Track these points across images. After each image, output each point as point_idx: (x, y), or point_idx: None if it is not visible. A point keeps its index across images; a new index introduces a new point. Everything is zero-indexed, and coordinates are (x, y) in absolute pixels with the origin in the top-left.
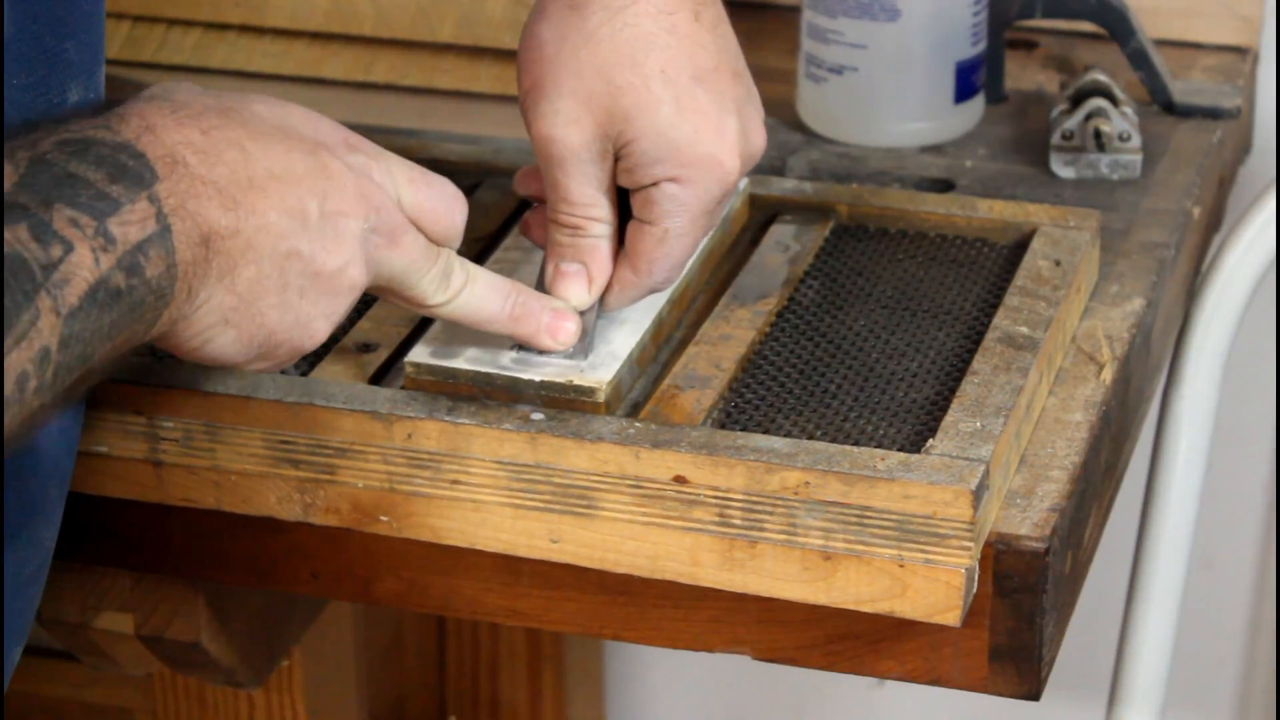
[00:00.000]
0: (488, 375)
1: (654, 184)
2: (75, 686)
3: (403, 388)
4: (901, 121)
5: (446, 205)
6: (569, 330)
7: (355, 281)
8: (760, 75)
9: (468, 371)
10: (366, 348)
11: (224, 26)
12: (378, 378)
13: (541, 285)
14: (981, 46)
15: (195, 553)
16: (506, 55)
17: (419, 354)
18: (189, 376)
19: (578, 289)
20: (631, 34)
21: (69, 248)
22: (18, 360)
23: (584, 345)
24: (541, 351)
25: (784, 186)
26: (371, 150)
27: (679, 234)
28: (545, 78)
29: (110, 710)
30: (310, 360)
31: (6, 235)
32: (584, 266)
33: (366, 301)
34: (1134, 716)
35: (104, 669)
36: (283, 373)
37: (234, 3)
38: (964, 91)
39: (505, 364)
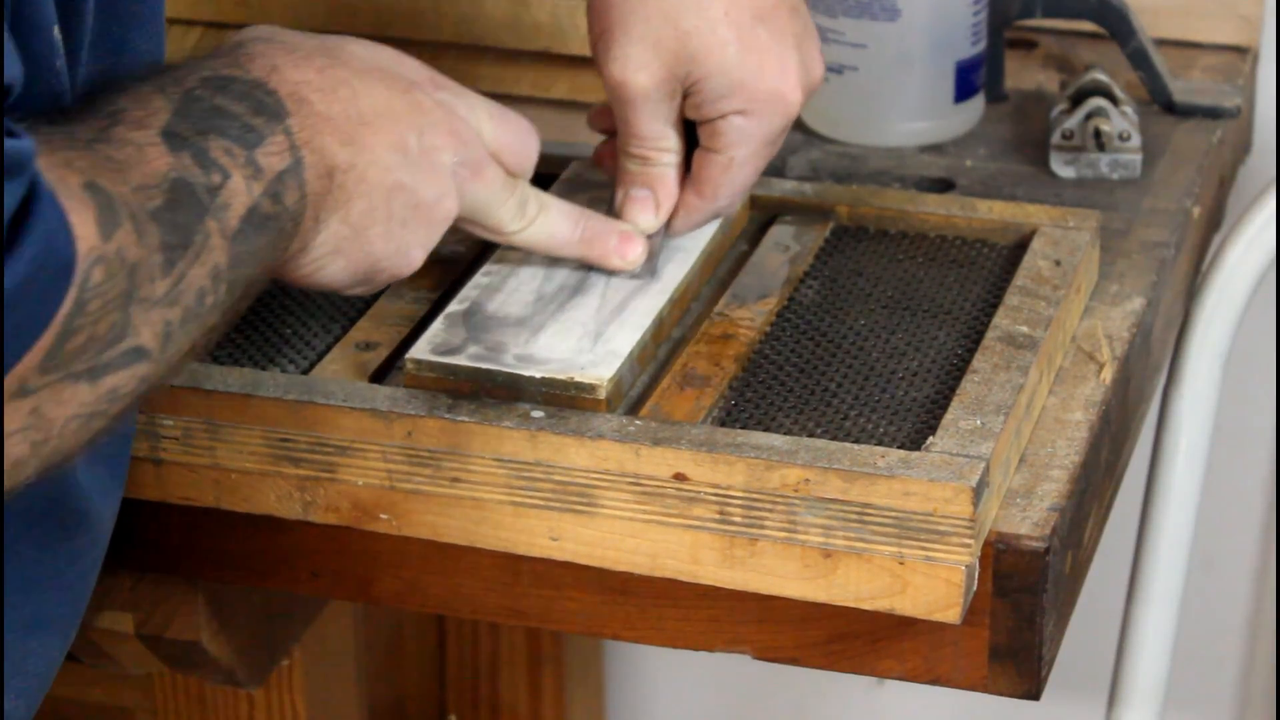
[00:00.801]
0: (489, 372)
1: (721, 117)
2: (75, 686)
3: (403, 385)
4: (902, 121)
5: (523, 140)
6: (636, 251)
7: (449, 211)
8: None
9: (468, 368)
10: (367, 346)
11: (225, 26)
12: (378, 376)
13: (611, 212)
14: (982, 46)
15: (195, 552)
16: (506, 55)
17: (420, 350)
18: (189, 375)
19: (646, 213)
20: None
21: (226, 175)
22: (196, 278)
23: (650, 267)
24: (611, 272)
25: (784, 187)
26: (455, 88)
27: (744, 161)
28: (614, 25)
29: (110, 710)
30: (310, 359)
31: (173, 162)
32: (652, 193)
33: (367, 301)
34: (1134, 716)
35: (104, 669)
36: (283, 371)
37: (234, 2)
38: (964, 91)
39: (506, 361)
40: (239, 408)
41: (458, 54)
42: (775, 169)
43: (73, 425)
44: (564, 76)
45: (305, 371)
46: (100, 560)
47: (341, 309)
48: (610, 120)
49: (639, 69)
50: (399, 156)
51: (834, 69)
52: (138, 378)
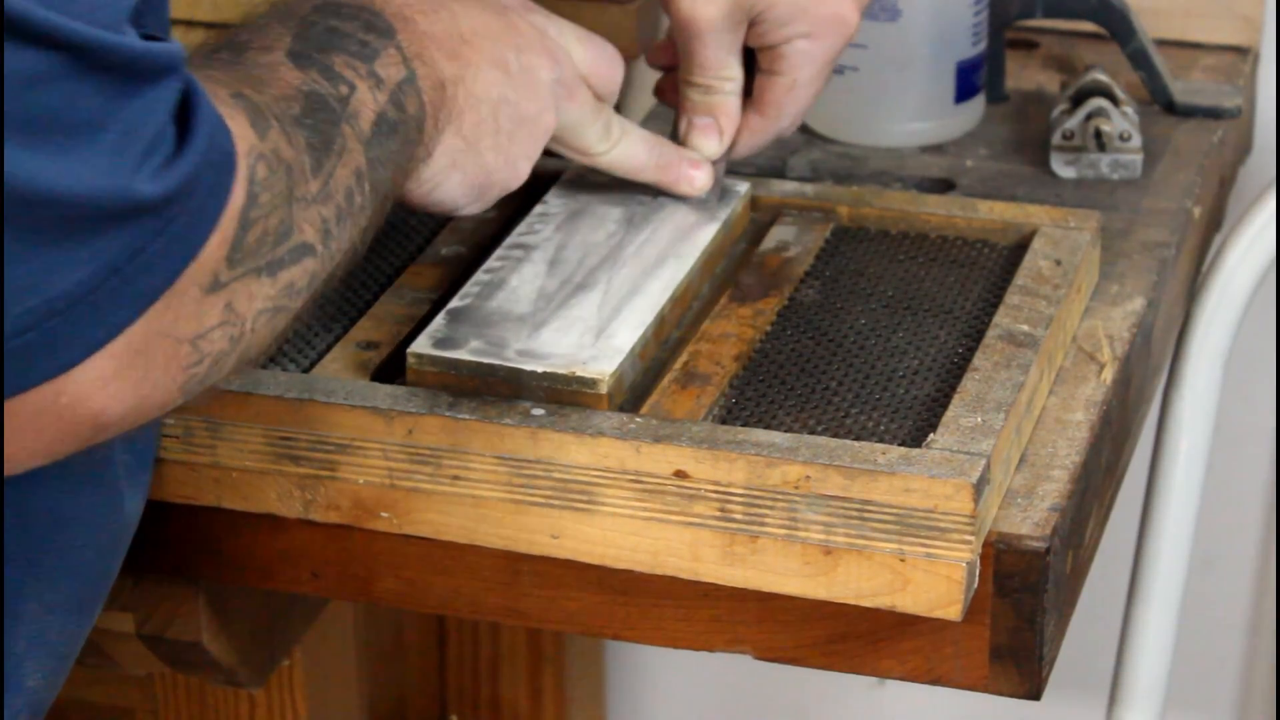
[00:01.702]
0: (490, 366)
1: (786, 41)
2: (75, 686)
3: (404, 381)
4: (902, 121)
5: (610, 63)
6: (705, 178)
7: (549, 125)
8: None
9: (470, 363)
10: (368, 345)
11: (225, 26)
12: (379, 375)
13: (675, 139)
14: (982, 46)
15: (195, 552)
16: None
17: (422, 345)
18: None
19: (710, 140)
20: None
21: (352, 86)
22: (343, 178)
23: (716, 190)
24: (681, 197)
25: (785, 188)
26: (545, 13)
27: (806, 82)
28: None
29: (110, 710)
30: (311, 357)
31: (304, 77)
32: (714, 120)
33: (367, 300)
34: (1134, 716)
35: (104, 669)
36: (283, 370)
37: (234, 2)
38: (965, 91)
39: (508, 356)
40: (239, 406)
41: None
42: (776, 169)
43: (261, 320)
44: None
45: (306, 370)
46: (123, 552)
47: (342, 308)
48: (669, 56)
49: (708, 2)
50: (500, 73)
51: (834, 70)
52: (309, 273)
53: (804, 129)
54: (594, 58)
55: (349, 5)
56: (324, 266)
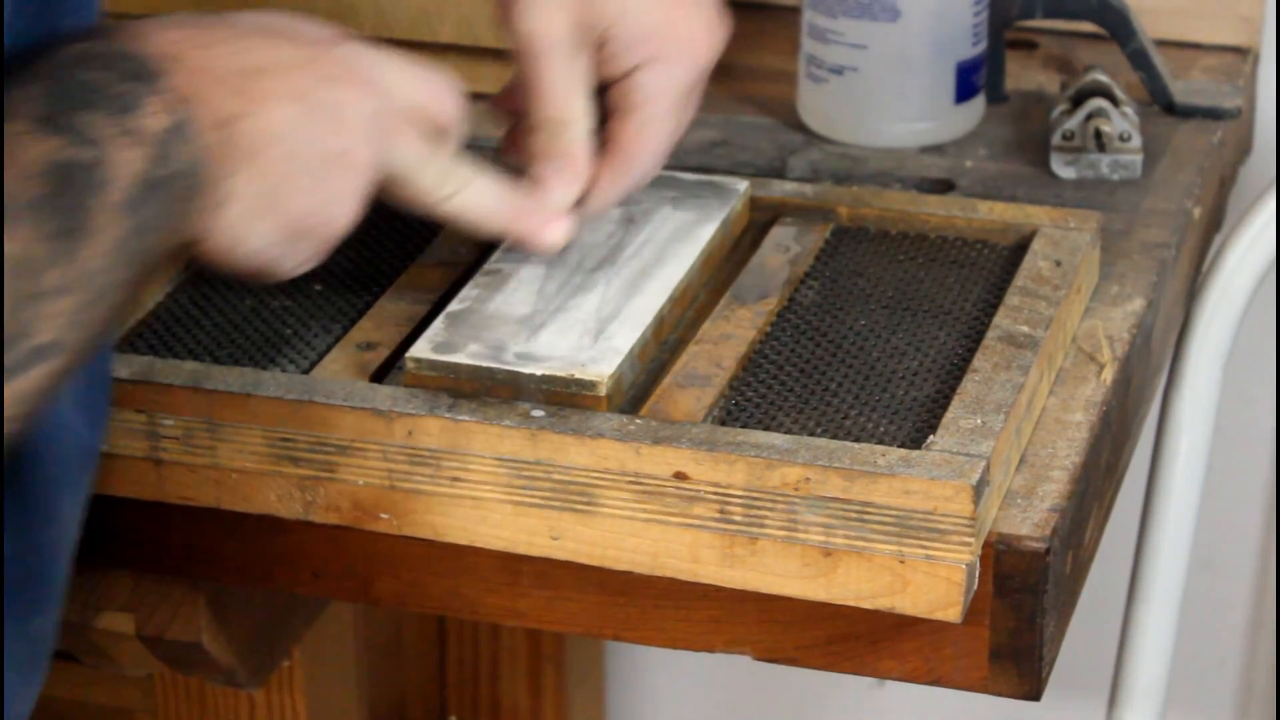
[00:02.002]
0: (489, 370)
1: (635, 68)
2: (75, 686)
3: (404, 384)
4: (902, 122)
5: (442, 98)
6: (562, 230)
7: (367, 161)
8: (760, 75)
9: (469, 366)
10: (367, 346)
11: None
12: (379, 376)
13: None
14: (982, 46)
15: (195, 553)
16: (506, 56)
17: (420, 349)
18: (190, 375)
19: (564, 187)
20: None
21: (106, 150)
22: (93, 258)
23: (565, 250)
24: (534, 253)
25: (784, 189)
26: (364, 44)
27: (660, 119)
28: None
29: (110, 710)
30: (311, 358)
31: (47, 148)
32: (566, 166)
33: (367, 301)
34: (1134, 716)
35: (104, 669)
36: (283, 371)
37: (234, 2)
38: (964, 91)
39: (507, 359)
40: (239, 407)
41: (458, 54)
42: (775, 170)
43: None
44: None
45: (306, 371)
46: (75, 531)
47: (343, 309)
48: (515, 100)
49: (549, 16)
50: (299, 106)
51: (834, 70)
52: (51, 374)
53: (804, 129)
54: (423, 92)
55: (106, 53)
56: (72, 359)
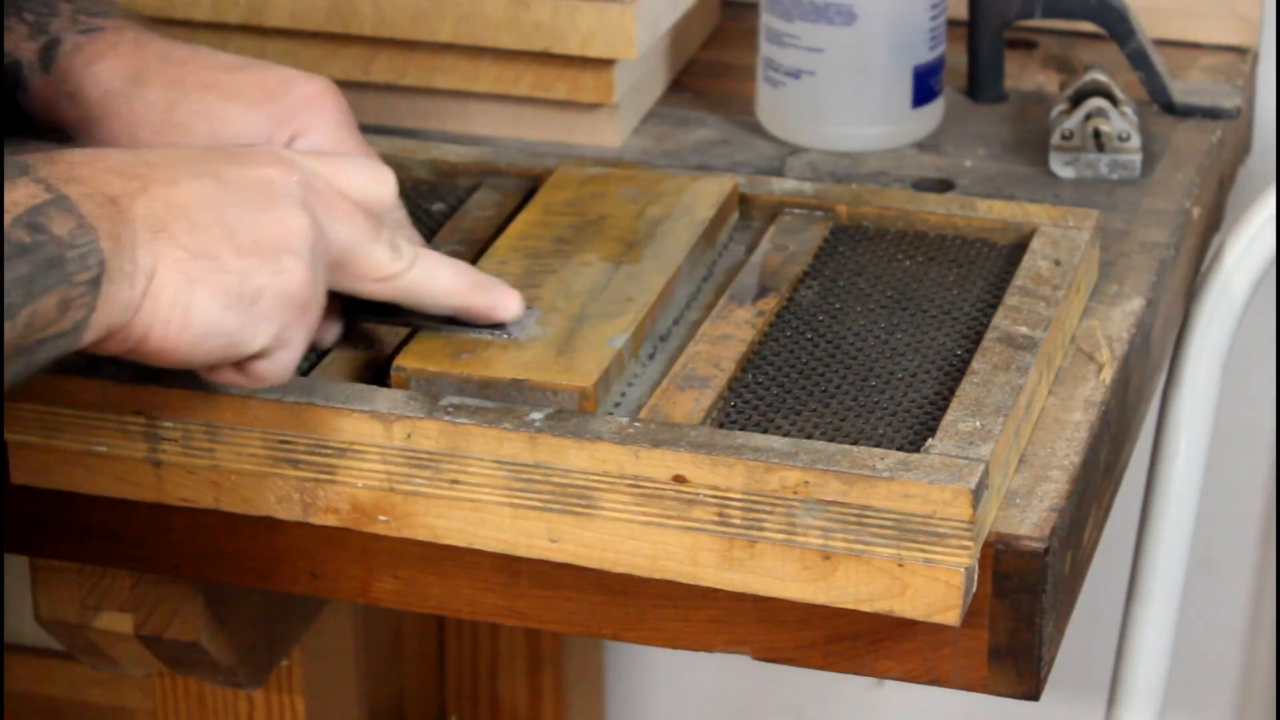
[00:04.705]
0: (474, 378)
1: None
2: (75, 686)
3: (403, 387)
4: (859, 126)
5: (365, 174)
6: (519, 303)
7: (303, 224)
8: (733, 73)
9: (454, 375)
10: (367, 348)
11: (224, 26)
12: (377, 378)
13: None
14: (940, 50)
15: (195, 553)
16: (506, 55)
17: (405, 358)
18: (189, 376)
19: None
20: None
21: None
22: None
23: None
24: (488, 327)
25: (784, 187)
26: (273, 146)
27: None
28: None
29: (110, 710)
30: (310, 360)
31: None
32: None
33: None
34: (1134, 716)
35: (104, 669)
36: None
37: (234, 2)
38: (922, 95)
39: (494, 366)
40: (239, 409)
41: (458, 54)
42: (774, 169)
43: None
44: (564, 76)
45: (305, 373)
46: None
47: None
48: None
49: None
50: (210, 180)
51: (791, 73)
52: None
53: (763, 134)
54: (342, 171)
55: None
56: None
